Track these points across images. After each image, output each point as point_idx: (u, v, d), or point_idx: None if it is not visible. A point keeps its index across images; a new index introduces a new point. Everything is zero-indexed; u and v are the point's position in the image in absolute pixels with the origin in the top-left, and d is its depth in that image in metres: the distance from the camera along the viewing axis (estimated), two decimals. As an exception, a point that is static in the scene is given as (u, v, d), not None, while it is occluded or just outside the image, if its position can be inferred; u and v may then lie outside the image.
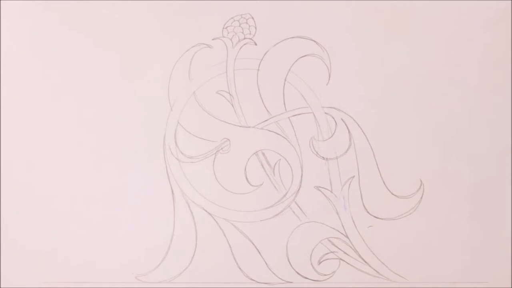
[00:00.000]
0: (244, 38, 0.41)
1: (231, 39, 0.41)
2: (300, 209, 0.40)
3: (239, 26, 0.41)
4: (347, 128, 0.40)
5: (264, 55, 0.41)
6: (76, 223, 0.40)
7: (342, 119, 0.40)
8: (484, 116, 0.40)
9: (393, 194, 0.39)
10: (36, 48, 0.42)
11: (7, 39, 0.42)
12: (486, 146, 0.40)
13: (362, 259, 0.39)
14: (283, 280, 0.39)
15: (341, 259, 0.39)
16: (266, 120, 0.40)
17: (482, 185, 0.39)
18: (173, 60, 0.41)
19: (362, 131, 0.40)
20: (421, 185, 0.39)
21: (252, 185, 0.40)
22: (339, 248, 0.39)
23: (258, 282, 0.39)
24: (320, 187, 0.40)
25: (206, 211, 0.40)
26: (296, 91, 0.41)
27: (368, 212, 0.39)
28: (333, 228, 0.40)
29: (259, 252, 0.39)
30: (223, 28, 0.41)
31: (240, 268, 0.39)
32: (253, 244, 0.39)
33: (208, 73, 0.41)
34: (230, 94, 0.41)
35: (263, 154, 0.40)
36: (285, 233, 0.40)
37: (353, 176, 0.40)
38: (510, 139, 0.40)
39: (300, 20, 0.41)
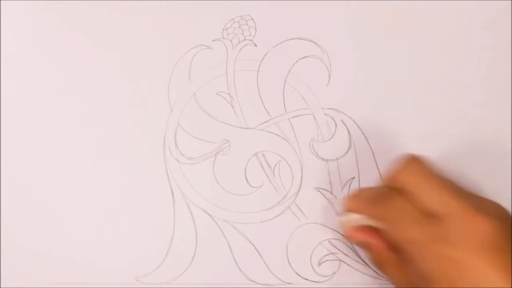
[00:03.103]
0: (244, 40, 0.41)
1: (231, 41, 0.41)
2: (300, 210, 0.40)
3: (239, 27, 0.41)
4: (347, 129, 0.40)
5: (264, 56, 0.41)
6: (76, 224, 0.40)
7: (342, 120, 0.40)
8: (484, 116, 0.40)
9: (393, 195, 0.39)
10: (36, 48, 0.42)
11: (7, 39, 0.42)
12: (486, 146, 0.40)
13: (362, 260, 0.39)
14: (283, 281, 0.39)
15: (341, 260, 0.39)
16: (266, 122, 0.40)
17: (482, 185, 0.39)
18: (173, 61, 0.41)
19: (362, 132, 0.40)
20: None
21: (252, 186, 0.40)
22: (339, 250, 0.40)
23: (258, 283, 0.39)
24: (320, 188, 0.40)
25: (206, 212, 0.40)
26: (296, 92, 0.41)
27: (368, 213, 0.39)
28: (333, 230, 0.40)
29: (259, 253, 0.39)
30: (223, 29, 0.41)
31: (240, 269, 0.39)
32: (253, 245, 0.39)
33: (208, 75, 0.41)
34: (230, 96, 0.41)
35: (263, 155, 0.40)
36: (285, 234, 0.40)
37: (353, 178, 0.40)
38: (510, 139, 0.40)
39: (300, 21, 0.41)
